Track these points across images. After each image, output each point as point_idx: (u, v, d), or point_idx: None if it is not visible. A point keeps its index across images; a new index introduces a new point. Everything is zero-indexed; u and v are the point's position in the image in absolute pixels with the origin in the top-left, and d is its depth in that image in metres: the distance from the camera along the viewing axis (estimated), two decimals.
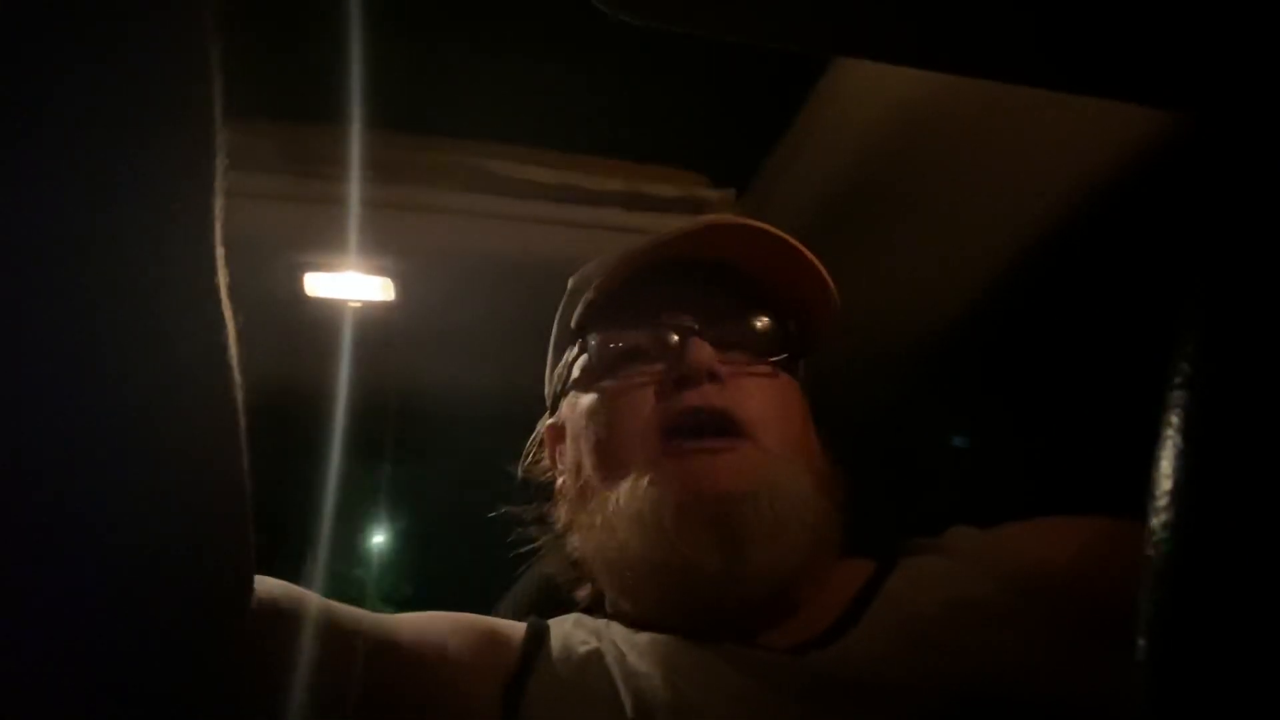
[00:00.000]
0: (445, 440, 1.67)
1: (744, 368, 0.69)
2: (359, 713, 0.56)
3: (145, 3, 0.37)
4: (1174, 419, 0.24)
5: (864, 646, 0.60)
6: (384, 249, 1.26)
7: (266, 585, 0.57)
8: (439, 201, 1.26)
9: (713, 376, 0.66)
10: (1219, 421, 0.23)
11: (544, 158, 1.28)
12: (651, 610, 0.66)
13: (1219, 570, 0.23)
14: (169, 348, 0.42)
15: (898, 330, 1.34)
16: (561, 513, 0.75)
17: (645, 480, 0.64)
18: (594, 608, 0.73)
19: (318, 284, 1.31)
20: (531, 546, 0.79)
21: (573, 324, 0.74)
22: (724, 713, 0.57)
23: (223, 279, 0.43)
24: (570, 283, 0.79)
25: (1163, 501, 0.24)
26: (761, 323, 0.72)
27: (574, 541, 0.72)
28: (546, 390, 0.81)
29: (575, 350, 0.75)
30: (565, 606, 0.75)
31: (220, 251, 0.43)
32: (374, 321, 1.39)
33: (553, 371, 0.79)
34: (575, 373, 0.75)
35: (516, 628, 0.67)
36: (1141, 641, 0.24)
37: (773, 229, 0.70)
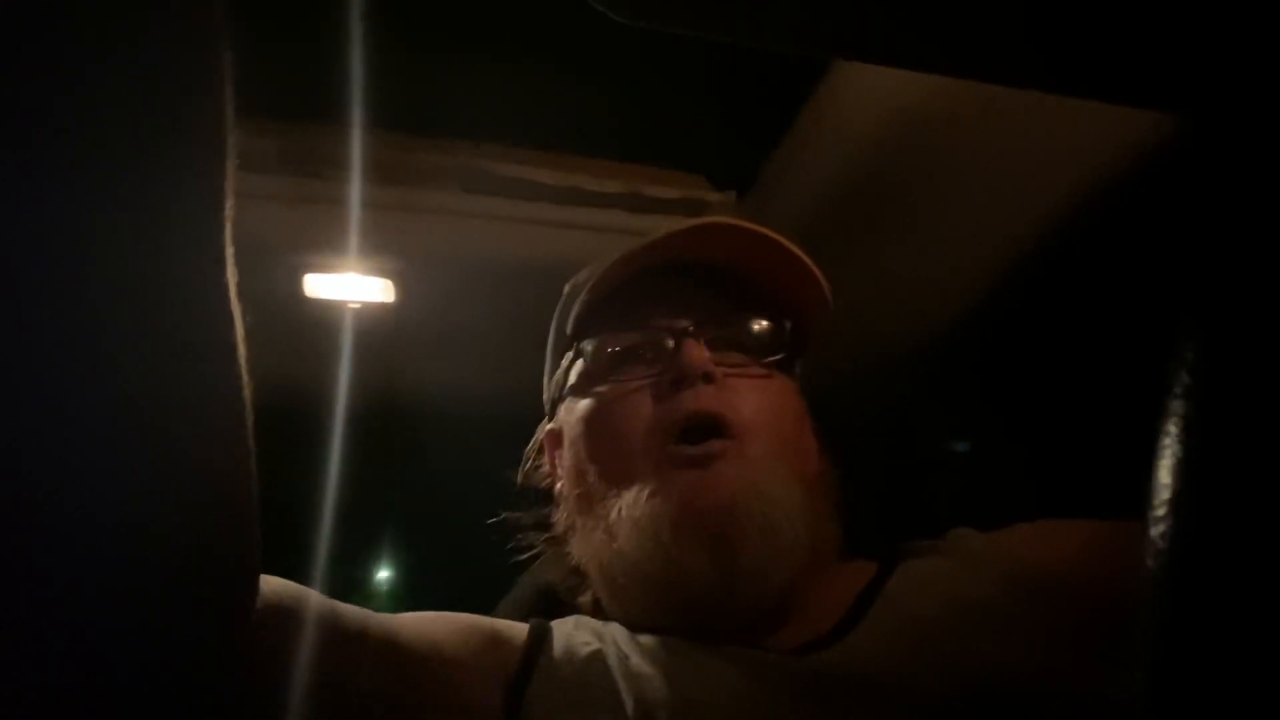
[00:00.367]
0: (445, 441, 1.67)
1: (739, 369, 0.69)
2: (362, 712, 0.56)
3: (157, 3, 0.37)
4: (1172, 428, 0.24)
5: (866, 647, 0.60)
6: (384, 250, 1.27)
7: (270, 584, 0.56)
8: (439, 203, 1.26)
9: (708, 378, 0.66)
10: (1217, 431, 0.23)
11: (544, 160, 1.28)
12: (651, 617, 0.66)
13: (1218, 580, 0.23)
14: (179, 347, 0.42)
15: (898, 332, 1.34)
16: (561, 518, 0.75)
17: (646, 492, 0.64)
18: (594, 611, 0.73)
19: (318, 285, 1.31)
20: (532, 552, 0.79)
21: (568, 329, 0.74)
22: (726, 714, 0.57)
23: (232, 278, 0.44)
24: (566, 288, 0.79)
25: (1161, 511, 0.24)
26: (756, 323, 0.72)
27: (574, 546, 0.72)
28: (544, 396, 0.81)
29: (571, 355, 0.75)
30: (564, 608, 0.75)
31: (230, 251, 0.43)
32: (374, 323, 1.39)
33: (550, 377, 0.79)
34: (572, 378, 0.75)
35: (519, 628, 0.67)
36: (1141, 652, 0.24)
37: (762, 229, 0.70)
